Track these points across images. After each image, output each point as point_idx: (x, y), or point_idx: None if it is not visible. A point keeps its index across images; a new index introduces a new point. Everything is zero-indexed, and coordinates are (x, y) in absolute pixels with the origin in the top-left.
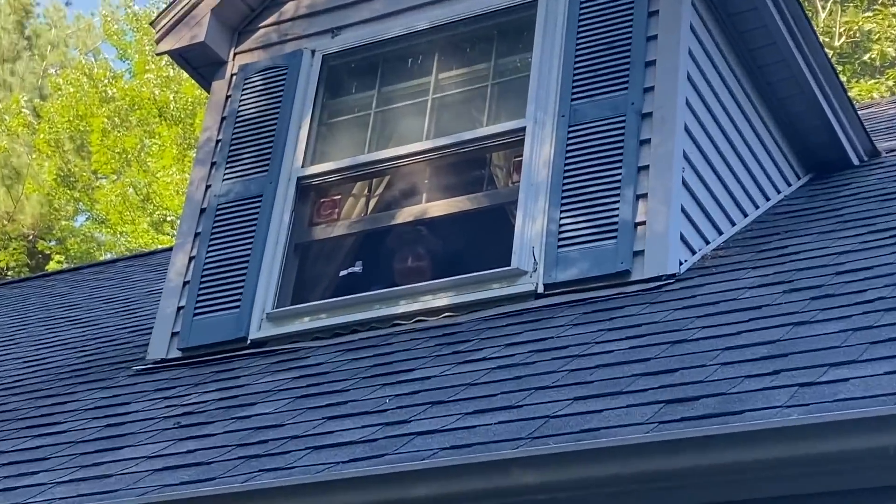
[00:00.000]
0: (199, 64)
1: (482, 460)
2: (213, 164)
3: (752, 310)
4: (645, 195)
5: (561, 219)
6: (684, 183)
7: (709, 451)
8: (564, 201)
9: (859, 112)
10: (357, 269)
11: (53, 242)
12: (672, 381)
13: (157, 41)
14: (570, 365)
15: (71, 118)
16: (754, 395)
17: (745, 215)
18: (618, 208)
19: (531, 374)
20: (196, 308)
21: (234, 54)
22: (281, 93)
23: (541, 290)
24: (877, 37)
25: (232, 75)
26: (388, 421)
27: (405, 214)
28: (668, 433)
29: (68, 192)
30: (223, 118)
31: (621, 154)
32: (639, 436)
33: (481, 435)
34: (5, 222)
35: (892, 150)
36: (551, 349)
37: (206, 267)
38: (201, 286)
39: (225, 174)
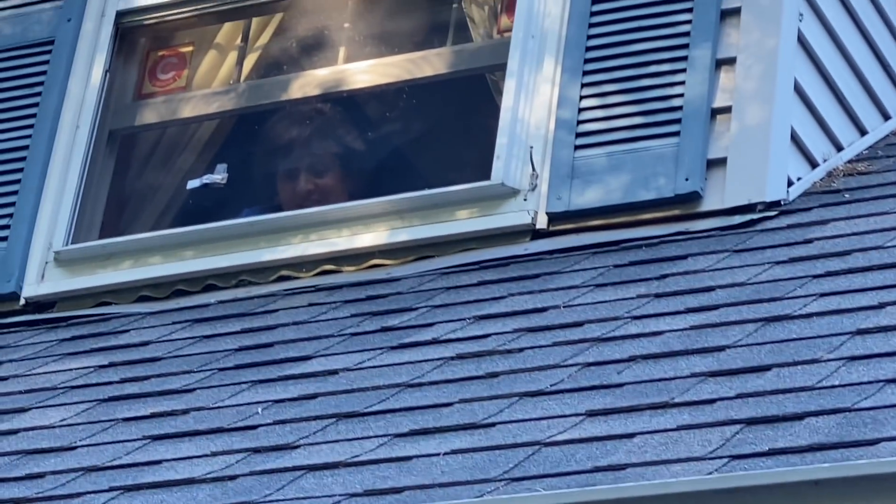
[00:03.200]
0: None
1: None
2: None
3: None
4: (732, 60)
5: (582, 99)
6: (801, 41)
7: None
8: (589, 68)
9: None
10: (218, 177)
11: None
12: (760, 387)
13: None
14: (585, 355)
15: None
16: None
17: None
18: (683, 82)
19: (516, 370)
20: None
21: None
22: None
23: (542, 223)
24: None
25: None
26: (259, 445)
27: (306, 84)
28: (744, 475)
29: None
30: None
31: None
32: (694, 478)
33: (422, 473)
34: None
35: None
36: (554, 327)
37: None
38: None
39: None
